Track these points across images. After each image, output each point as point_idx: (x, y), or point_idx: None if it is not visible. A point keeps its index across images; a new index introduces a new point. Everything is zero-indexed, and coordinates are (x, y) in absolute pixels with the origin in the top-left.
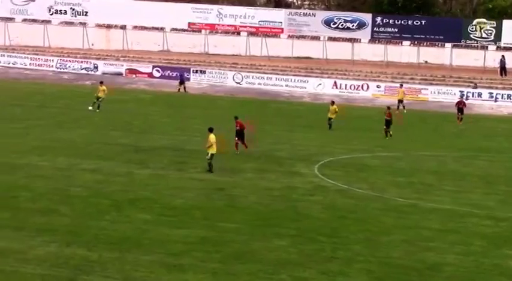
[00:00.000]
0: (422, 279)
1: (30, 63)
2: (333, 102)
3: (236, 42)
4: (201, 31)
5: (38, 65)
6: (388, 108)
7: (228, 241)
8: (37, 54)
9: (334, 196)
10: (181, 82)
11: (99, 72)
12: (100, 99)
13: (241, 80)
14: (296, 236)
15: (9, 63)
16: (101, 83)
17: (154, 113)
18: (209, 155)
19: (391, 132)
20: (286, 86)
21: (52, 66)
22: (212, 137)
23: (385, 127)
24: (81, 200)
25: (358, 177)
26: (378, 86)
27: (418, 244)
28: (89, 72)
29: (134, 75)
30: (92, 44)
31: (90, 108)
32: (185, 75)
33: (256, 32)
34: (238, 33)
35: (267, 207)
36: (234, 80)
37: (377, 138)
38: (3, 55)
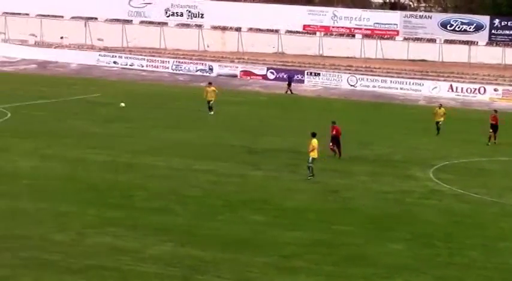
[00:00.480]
0: None
1: (146, 65)
2: (440, 106)
3: (351, 44)
4: (315, 33)
5: (155, 66)
6: (495, 111)
7: (342, 244)
8: (153, 56)
9: (449, 201)
10: (289, 84)
11: (214, 74)
12: (211, 103)
13: (356, 83)
14: (411, 240)
15: (126, 65)
16: (210, 83)
17: (268, 115)
18: (310, 159)
19: (495, 140)
20: (401, 89)
21: (168, 68)
22: (314, 141)
23: (490, 131)
24: (196, 200)
25: (475, 181)
26: (495, 90)
27: None
28: (204, 74)
29: (249, 77)
30: (208, 46)
31: (211, 113)
32: (294, 77)
33: (371, 34)
34: (353, 36)
35: (381, 210)
36: (348, 82)
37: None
38: (121, 57)
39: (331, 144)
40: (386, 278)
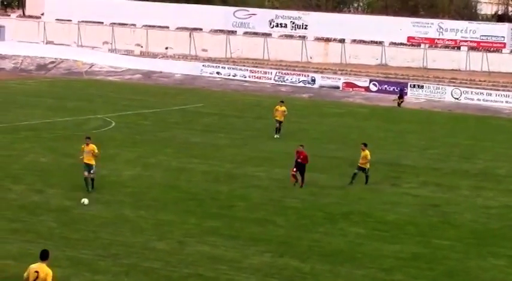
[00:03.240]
0: None
1: (249, 76)
2: None
3: (456, 56)
4: (420, 45)
5: (257, 77)
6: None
7: (442, 258)
8: (256, 67)
9: None
10: (401, 97)
11: (316, 86)
12: (281, 123)
13: (460, 96)
14: None
15: (229, 75)
16: (282, 102)
17: (370, 127)
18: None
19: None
20: (507, 102)
21: (270, 79)
22: (367, 153)
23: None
24: (296, 211)
25: None
26: None
27: None
28: (306, 85)
29: (351, 89)
30: (311, 58)
31: (276, 136)
32: (405, 90)
33: (477, 46)
34: (459, 48)
35: (483, 225)
36: (452, 95)
37: None
38: (224, 67)
39: (294, 170)
40: None
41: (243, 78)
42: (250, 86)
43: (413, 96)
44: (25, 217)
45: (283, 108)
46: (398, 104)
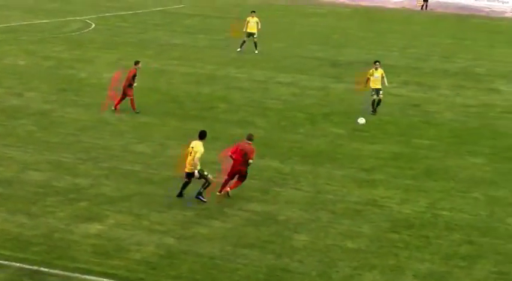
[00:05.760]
0: None
1: None
2: None
3: None
4: None
5: None
6: None
7: (421, 158)
8: None
9: None
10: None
11: None
12: (255, 36)
13: None
14: (491, 154)
15: None
16: (253, 12)
17: (352, 27)
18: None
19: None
20: (488, 0)
21: None
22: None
23: None
24: (277, 112)
25: None
26: None
27: None
28: None
29: None
30: None
31: (239, 50)
32: None
33: None
34: None
35: (462, 124)
36: None
37: None
38: None
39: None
40: (465, 192)
41: None
42: None
43: None
44: (4, 121)
45: (256, 19)
46: (422, 7)
